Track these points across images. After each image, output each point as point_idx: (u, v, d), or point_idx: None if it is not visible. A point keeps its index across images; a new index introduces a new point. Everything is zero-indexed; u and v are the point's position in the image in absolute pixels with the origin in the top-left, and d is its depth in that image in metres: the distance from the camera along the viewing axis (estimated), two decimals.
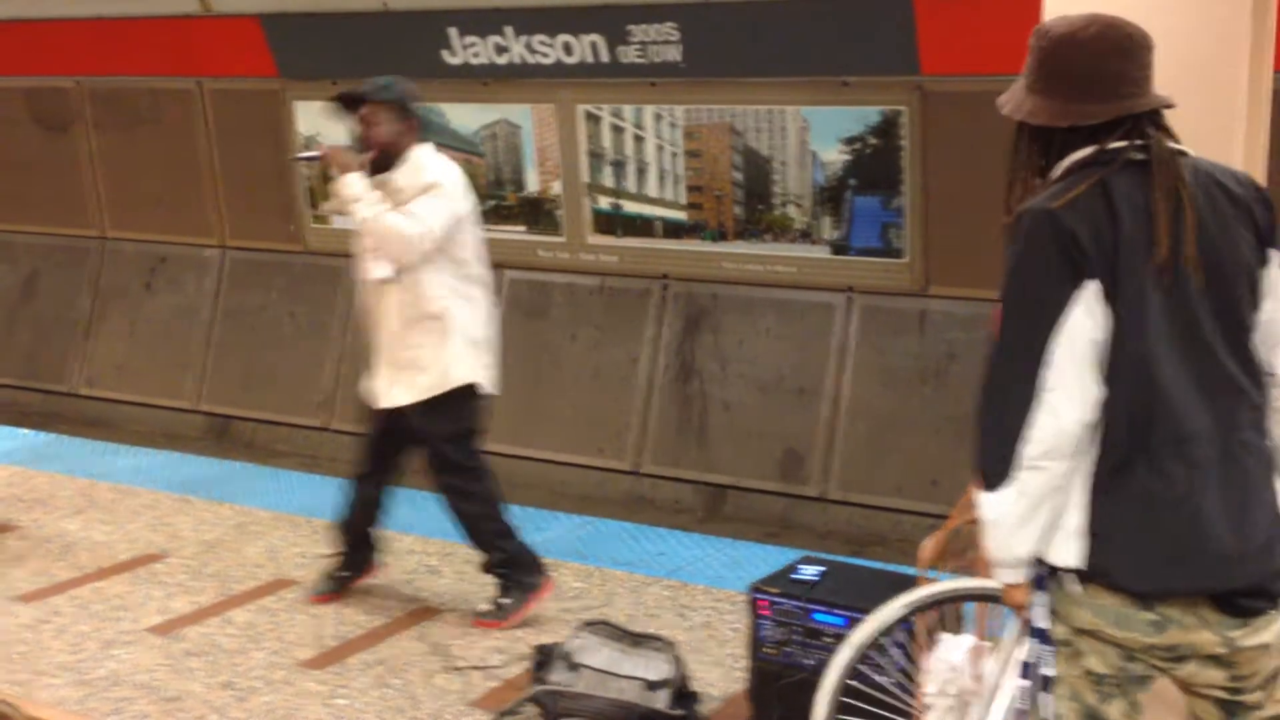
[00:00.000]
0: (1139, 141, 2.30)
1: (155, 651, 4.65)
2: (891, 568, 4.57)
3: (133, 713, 4.19)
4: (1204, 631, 2.28)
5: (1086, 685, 2.37)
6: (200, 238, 8.86)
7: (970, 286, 6.25)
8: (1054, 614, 2.38)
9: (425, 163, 4.65)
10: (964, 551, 3.45)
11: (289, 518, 6.09)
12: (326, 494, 6.53)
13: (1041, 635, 2.39)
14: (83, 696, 4.30)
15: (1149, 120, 2.33)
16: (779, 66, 6.61)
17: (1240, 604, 2.27)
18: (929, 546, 3.32)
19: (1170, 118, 2.38)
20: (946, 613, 3.49)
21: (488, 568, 4.88)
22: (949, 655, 3.49)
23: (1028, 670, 2.45)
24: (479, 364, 4.79)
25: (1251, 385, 2.31)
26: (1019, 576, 2.39)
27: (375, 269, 4.65)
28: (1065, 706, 2.40)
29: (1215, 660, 2.31)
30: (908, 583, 3.42)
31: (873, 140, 6.63)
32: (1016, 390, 2.28)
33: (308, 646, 4.67)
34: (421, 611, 4.98)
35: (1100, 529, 2.29)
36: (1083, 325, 2.24)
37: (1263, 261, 2.32)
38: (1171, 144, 2.32)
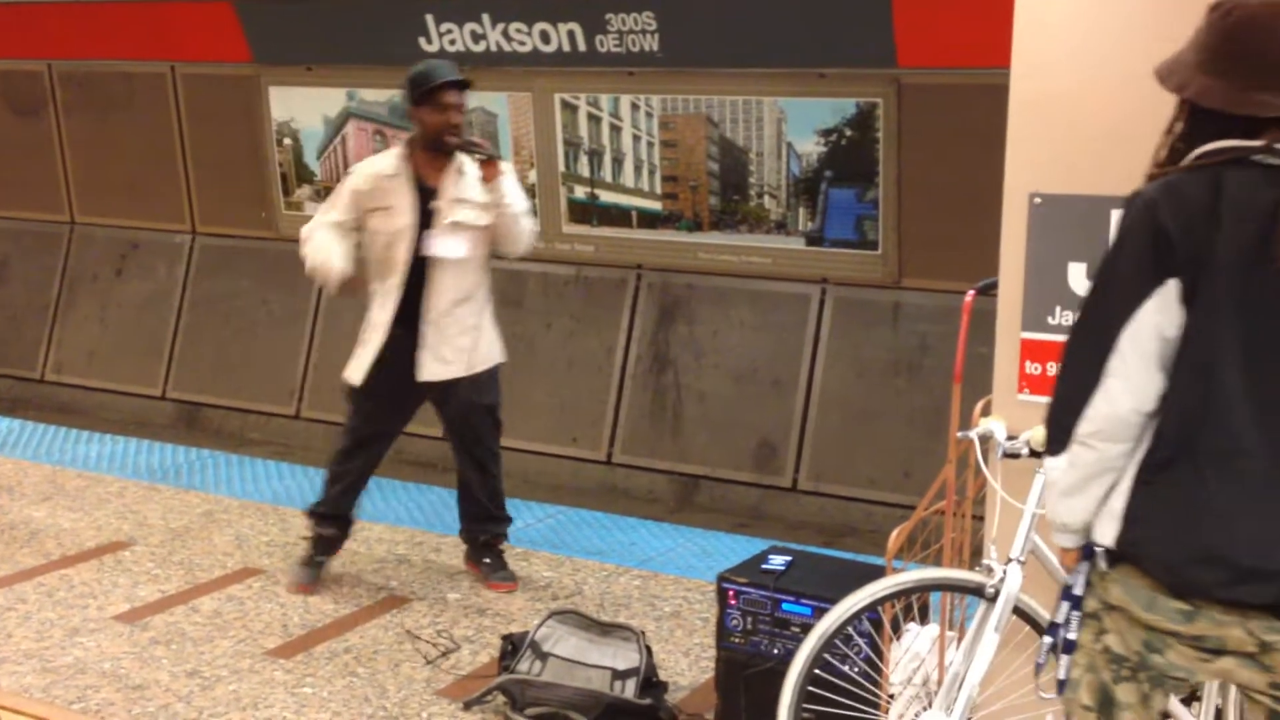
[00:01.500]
0: None
1: (121, 639, 4.61)
2: (859, 558, 4.57)
3: (97, 700, 4.16)
4: (1235, 628, 2.26)
5: (1103, 662, 2.39)
6: (172, 223, 8.80)
7: (943, 279, 6.25)
8: (1089, 585, 2.42)
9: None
10: (931, 542, 3.45)
11: (258, 506, 6.05)
12: (297, 482, 6.51)
13: (1073, 600, 2.45)
14: (47, 684, 4.26)
15: None
16: (756, 58, 6.59)
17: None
18: (896, 537, 3.32)
19: None
20: (913, 603, 3.49)
21: (498, 537, 5.11)
22: (915, 645, 3.50)
23: (1054, 630, 2.51)
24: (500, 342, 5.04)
25: None
26: (1068, 542, 2.45)
27: (447, 247, 4.71)
28: (1081, 675, 2.43)
29: (1252, 660, 2.28)
30: (875, 573, 3.42)
31: (849, 132, 6.62)
32: (1083, 367, 2.31)
33: (274, 635, 4.65)
34: (390, 600, 4.95)
35: (1136, 517, 2.31)
36: (1154, 320, 2.24)
37: None
38: None
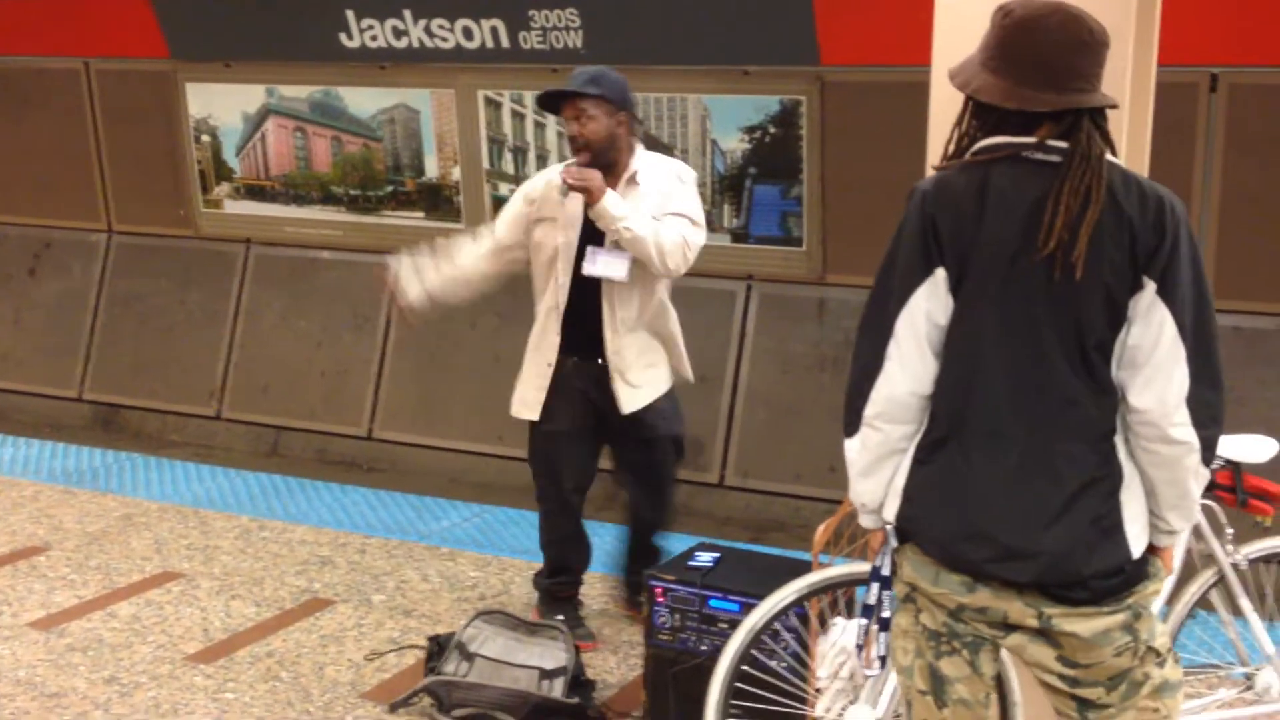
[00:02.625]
0: (1054, 142, 2.31)
1: (36, 647, 4.51)
2: (786, 553, 4.60)
3: (12, 710, 4.06)
4: (1015, 601, 2.37)
5: (925, 643, 2.48)
6: (87, 222, 8.61)
7: (868, 275, 6.13)
8: (894, 565, 2.53)
9: (665, 160, 4.43)
10: (857, 536, 3.47)
11: (177, 509, 5.95)
12: (217, 484, 6.41)
13: (881, 579, 2.57)
14: None
15: (1090, 118, 2.33)
16: (680, 55, 6.60)
17: (1049, 589, 2.34)
18: (822, 532, 3.33)
19: None
20: (839, 597, 3.51)
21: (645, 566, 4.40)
22: (842, 639, 3.52)
23: (868, 611, 2.63)
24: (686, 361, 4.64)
25: (1091, 400, 2.33)
26: (868, 522, 2.57)
27: (608, 267, 4.29)
28: (912, 660, 2.51)
29: (1040, 636, 2.39)
30: (801, 568, 3.44)
31: (773, 129, 6.65)
32: (868, 352, 2.44)
33: (195, 640, 4.57)
34: (313, 603, 4.89)
35: (911, 494, 2.44)
36: (925, 307, 2.37)
37: (1135, 286, 2.29)
38: (1103, 146, 2.33)
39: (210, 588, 5.04)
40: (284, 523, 5.37)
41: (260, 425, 7.91)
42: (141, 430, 8.17)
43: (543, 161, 7.16)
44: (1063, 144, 2.32)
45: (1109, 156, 2.34)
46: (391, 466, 7.34)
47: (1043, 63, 2.32)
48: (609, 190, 4.20)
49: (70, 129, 8.41)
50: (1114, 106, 2.37)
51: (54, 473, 6.51)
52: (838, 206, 6.47)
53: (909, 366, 2.39)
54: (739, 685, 3.13)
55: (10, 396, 8.78)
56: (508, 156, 7.28)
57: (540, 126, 7.14)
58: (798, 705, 3.33)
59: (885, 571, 2.55)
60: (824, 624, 3.54)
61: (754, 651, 3.13)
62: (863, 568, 3.19)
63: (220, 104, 7.98)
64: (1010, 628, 2.41)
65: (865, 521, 2.58)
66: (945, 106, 3.19)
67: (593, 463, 4.65)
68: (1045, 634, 2.38)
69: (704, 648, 3.75)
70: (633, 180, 4.33)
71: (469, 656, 4.08)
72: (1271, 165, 5.60)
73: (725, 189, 6.86)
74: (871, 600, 2.61)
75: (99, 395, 8.49)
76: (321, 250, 7.95)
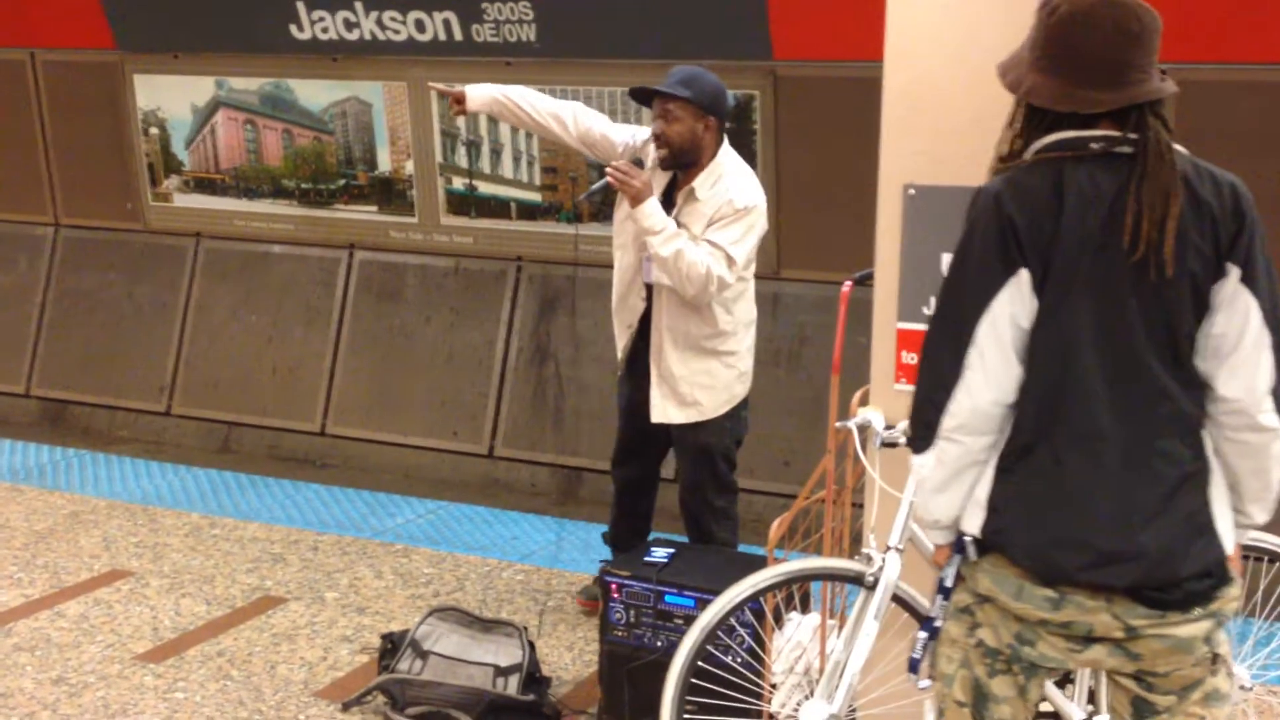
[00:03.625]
0: (1131, 135, 2.25)
1: None
2: (741, 548, 4.60)
3: None
4: (1103, 614, 2.30)
5: (977, 657, 2.42)
6: (32, 215, 8.48)
7: (821, 270, 6.30)
8: (960, 578, 2.46)
9: (735, 174, 4.26)
10: (811, 531, 3.48)
11: (126, 506, 5.88)
12: (167, 481, 6.34)
13: (945, 593, 2.52)
14: None
15: (1150, 109, 2.28)
16: (634, 48, 6.58)
17: (1147, 595, 2.29)
18: (777, 527, 3.33)
19: None
20: (794, 592, 3.52)
21: None
22: (796, 634, 3.52)
23: (929, 625, 2.58)
24: (749, 378, 4.50)
25: (1183, 394, 2.29)
26: (941, 538, 2.49)
27: (656, 273, 4.26)
28: (955, 670, 2.46)
29: (1119, 647, 2.33)
30: (756, 563, 3.44)
31: (726, 124, 6.64)
32: (942, 363, 2.34)
33: (144, 639, 4.51)
34: (265, 601, 4.85)
35: (998, 504, 2.35)
36: (1008, 311, 2.28)
37: (1219, 274, 2.27)
38: (1169, 137, 2.27)
39: (160, 586, 4.98)
40: (235, 520, 5.32)
41: (211, 421, 7.82)
42: (90, 426, 8.06)
43: (497, 155, 7.13)
44: (1132, 134, 2.26)
45: (1176, 146, 2.29)
46: (345, 462, 7.28)
47: (1094, 60, 2.26)
48: (651, 198, 4.15)
49: (16, 121, 8.28)
50: (1174, 93, 2.30)
51: (0, 470, 6.41)
52: (791, 201, 6.48)
53: (993, 374, 2.30)
54: (694, 681, 3.12)
55: None
56: (461, 150, 7.24)
57: (493, 121, 7.11)
58: (753, 700, 3.33)
59: (949, 584, 2.50)
60: (779, 619, 3.54)
61: (709, 647, 3.12)
62: (817, 563, 3.20)
63: (169, 96, 7.88)
64: (1090, 641, 2.34)
65: (937, 538, 2.50)
66: (898, 101, 3.22)
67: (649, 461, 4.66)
68: (1127, 645, 2.32)
69: (659, 644, 3.75)
70: (692, 195, 4.25)
71: (423, 654, 4.06)
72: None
73: None
74: (935, 613, 2.56)
75: (46, 391, 8.37)
76: (273, 244, 7.87)
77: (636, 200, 4.13)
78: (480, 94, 4.57)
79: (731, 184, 4.22)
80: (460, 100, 4.57)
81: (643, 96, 4.35)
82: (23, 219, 8.54)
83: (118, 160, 8.08)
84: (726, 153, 4.32)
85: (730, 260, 4.14)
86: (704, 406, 4.36)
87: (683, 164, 4.26)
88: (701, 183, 4.24)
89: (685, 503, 4.54)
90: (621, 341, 4.59)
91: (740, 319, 4.39)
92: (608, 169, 4.20)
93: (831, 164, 6.15)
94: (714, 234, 4.16)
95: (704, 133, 4.24)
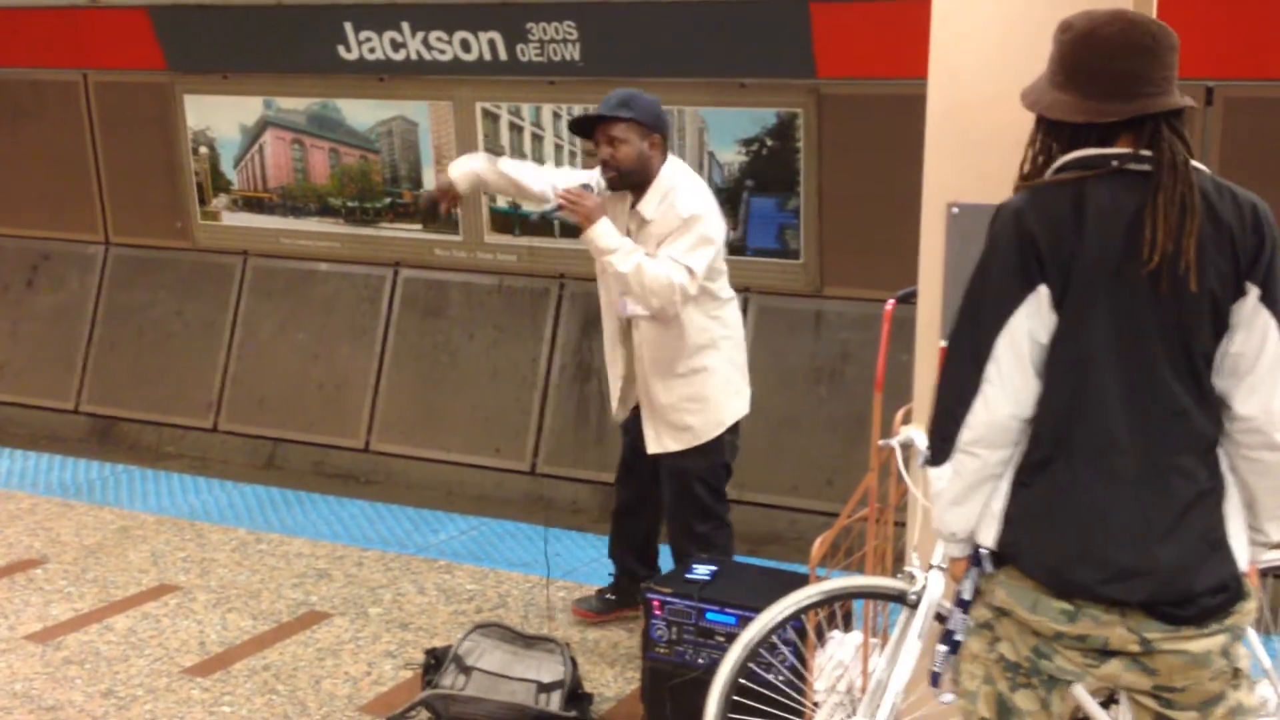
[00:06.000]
0: (1144, 151, 2.27)
1: (33, 660, 4.50)
2: (783, 566, 4.59)
3: None
4: (1118, 627, 2.31)
5: (999, 671, 2.43)
6: (84, 234, 8.63)
7: (864, 287, 6.31)
8: (978, 592, 2.47)
9: (678, 188, 4.23)
10: (854, 550, 3.47)
11: (174, 521, 5.94)
12: (214, 497, 6.41)
13: (963, 605, 2.52)
14: None
15: (1166, 123, 2.30)
16: (677, 67, 6.61)
17: (1161, 610, 2.29)
18: (819, 545, 3.33)
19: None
20: (836, 610, 3.51)
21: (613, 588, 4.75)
22: (838, 652, 3.51)
23: (949, 638, 2.58)
24: (741, 397, 4.45)
25: (1199, 411, 2.30)
26: (956, 551, 2.50)
27: (631, 305, 4.27)
28: (979, 686, 2.46)
29: (1136, 661, 2.33)
30: (799, 581, 3.43)
31: (770, 142, 6.66)
32: (961, 377, 2.36)
33: (191, 653, 4.56)
34: (310, 616, 4.88)
35: (1014, 517, 2.37)
36: (1027, 326, 2.30)
37: (1238, 293, 2.27)
38: (1186, 153, 2.29)
39: (207, 600, 5.03)
40: (281, 535, 5.36)
41: (257, 437, 7.91)
42: (138, 442, 8.17)
43: None
44: (1147, 150, 2.28)
45: (1195, 163, 2.31)
46: (388, 479, 7.34)
47: (1106, 72, 2.29)
48: (603, 219, 4.16)
49: (68, 141, 8.42)
50: (1190, 106, 2.32)
51: (51, 485, 6.51)
52: (835, 219, 6.49)
53: (1010, 389, 2.31)
54: (736, 699, 3.12)
55: (7, 409, 8.78)
56: None
57: (538, 139, 7.16)
58: (795, 718, 3.32)
59: (967, 597, 2.51)
60: (821, 637, 3.53)
61: (751, 665, 3.12)
62: (859, 581, 3.20)
63: (218, 116, 8.00)
64: (1107, 654, 2.34)
65: (953, 550, 2.51)
66: (941, 119, 3.22)
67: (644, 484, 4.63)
68: (1143, 660, 2.32)
69: (701, 661, 3.75)
70: (641, 219, 4.26)
71: (466, 670, 4.07)
72: (1265, 178, 5.61)
73: (722, 201, 6.83)
74: (954, 627, 2.57)
75: (96, 407, 8.49)
76: (319, 262, 7.96)
77: (588, 221, 4.14)
78: (463, 168, 4.57)
79: (677, 199, 4.22)
80: (447, 190, 4.58)
81: (583, 128, 4.36)
82: (74, 237, 8.68)
83: (167, 179, 8.20)
84: (671, 166, 4.32)
85: (690, 271, 4.14)
86: (697, 430, 4.36)
87: (632, 184, 4.27)
88: (647, 203, 4.25)
89: (668, 526, 4.58)
90: (615, 387, 4.58)
91: (717, 333, 4.36)
92: (558, 193, 4.21)
93: (874, 181, 6.15)
94: (667, 249, 4.17)
95: (650, 150, 4.26)
